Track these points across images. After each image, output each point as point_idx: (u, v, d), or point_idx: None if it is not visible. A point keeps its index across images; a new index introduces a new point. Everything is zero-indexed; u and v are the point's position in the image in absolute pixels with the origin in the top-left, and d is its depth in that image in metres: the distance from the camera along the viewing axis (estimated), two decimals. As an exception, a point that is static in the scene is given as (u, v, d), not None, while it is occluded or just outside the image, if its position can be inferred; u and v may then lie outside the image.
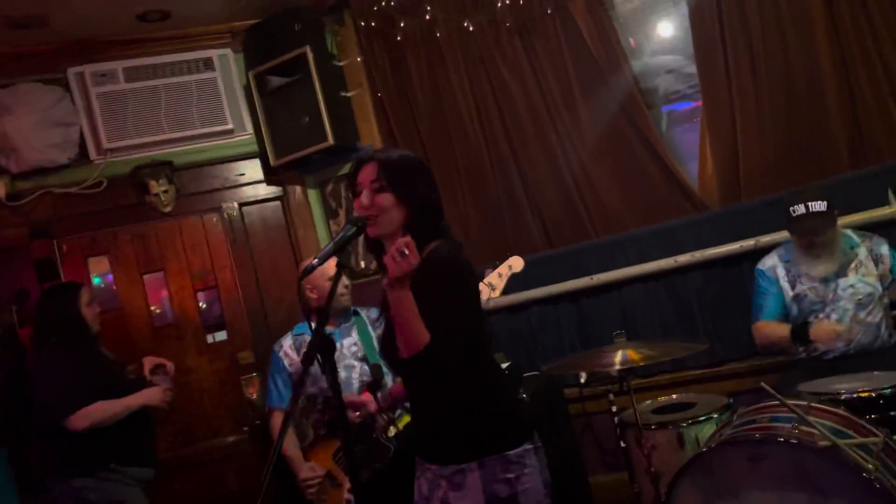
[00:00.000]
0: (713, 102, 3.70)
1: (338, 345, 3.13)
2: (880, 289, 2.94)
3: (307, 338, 3.14)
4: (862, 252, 2.98)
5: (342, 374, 3.07)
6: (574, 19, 3.88)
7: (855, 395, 2.38)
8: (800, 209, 2.89)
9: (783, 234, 3.19)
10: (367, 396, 2.92)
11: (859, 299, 2.93)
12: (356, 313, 3.25)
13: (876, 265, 2.96)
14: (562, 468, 3.53)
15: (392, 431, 2.93)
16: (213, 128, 4.28)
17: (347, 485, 3.01)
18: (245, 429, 4.22)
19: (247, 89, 4.33)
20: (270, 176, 4.45)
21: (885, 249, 2.99)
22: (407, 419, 2.94)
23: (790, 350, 3.08)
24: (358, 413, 2.84)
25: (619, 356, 2.75)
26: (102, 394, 3.10)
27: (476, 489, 1.81)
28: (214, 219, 4.40)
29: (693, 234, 3.66)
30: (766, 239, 3.39)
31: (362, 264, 4.34)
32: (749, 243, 3.47)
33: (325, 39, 4.32)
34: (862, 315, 2.92)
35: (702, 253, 3.61)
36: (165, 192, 4.19)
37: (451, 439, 1.88)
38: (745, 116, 3.60)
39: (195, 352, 4.27)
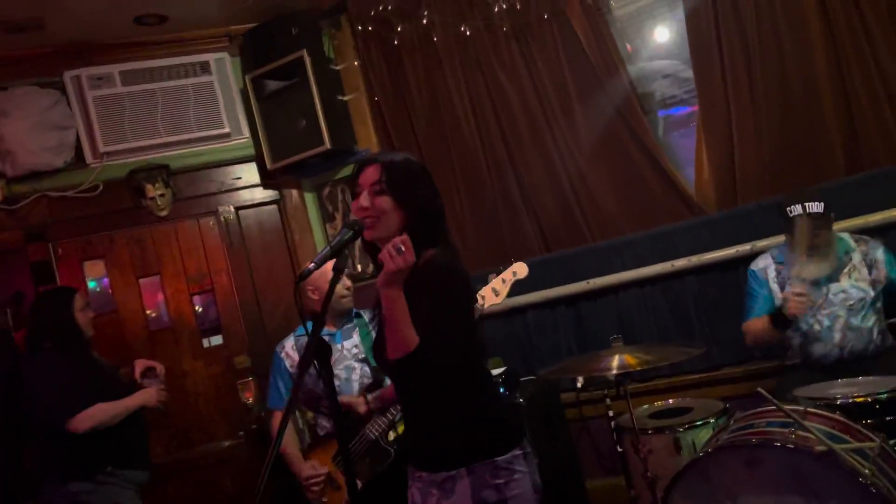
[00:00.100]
0: (709, 107, 3.71)
1: (338, 346, 3.14)
2: (872, 294, 2.94)
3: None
4: (856, 257, 2.98)
5: (342, 375, 3.08)
6: (571, 24, 3.89)
7: (851, 400, 2.37)
8: (796, 209, 2.89)
9: (779, 239, 3.20)
10: (358, 399, 2.93)
11: (850, 305, 2.93)
12: (358, 315, 3.26)
13: (870, 270, 2.96)
14: (559, 473, 3.53)
15: (392, 436, 2.93)
16: (209, 131, 4.28)
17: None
18: (241, 433, 4.21)
19: (244, 93, 4.33)
20: (267, 180, 4.44)
21: (880, 254, 2.99)
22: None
23: (774, 340, 3.06)
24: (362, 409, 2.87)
25: (616, 361, 2.75)
26: (100, 396, 3.10)
27: (465, 495, 1.81)
28: (211, 222, 4.39)
29: (690, 239, 3.66)
30: (762, 243, 3.40)
31: (359, 268, 4.34)
32: (745, 248, 3.48)
33: (322, 43, 4.32)
34: (855, 321, 2.92)
35: (698, 257, 3.61)
36: (162, 195, 4.19)
37: (440, 446, 1.88)
38: (742, 121, 3.60)
39: (191, 356, 4.26)
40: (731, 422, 2.41)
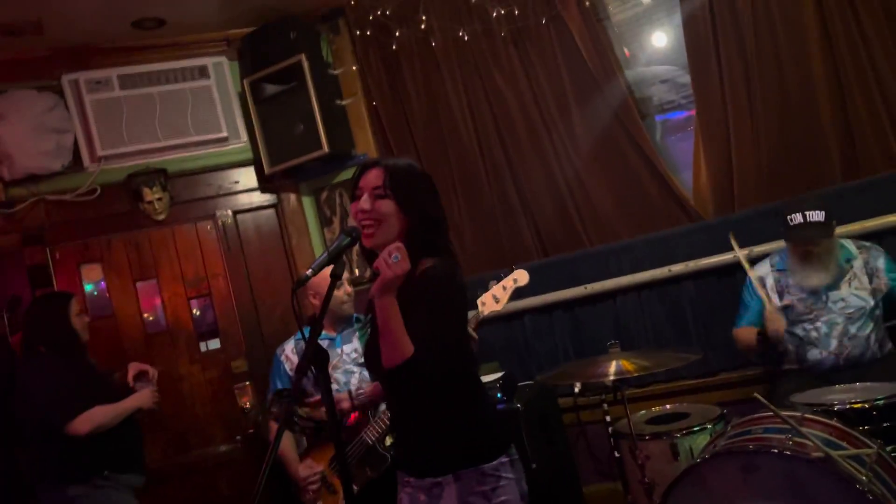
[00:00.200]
0: (707, 112, 3.71)
1: (338, 350, 3.16)
2: (872, 302, 2.94)
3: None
4: (857, 265, 2.98)
5: (341, 379, 3.09)
6: (568, 29, 3.90)
7: (848, 406, 2.38)
8: (797, 218, 2.89)
9: (777, 244, 3.21)
10: (342, 394, 2.94)
11: (849, 313, 2.93)
12: (358, 320, 3.26)
13: (870, 279, 2.95)
14: (556, 477, 3.53)
15: (389, 441, 2.93)
16: (207, 135, 4.27)
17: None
18: (238, 437, 4.20)
19: (242, 97, 4.33)
20: (265, 184, 4.44)
21: (881, 262, 2.98)
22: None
23: (761, 351, 3.10)
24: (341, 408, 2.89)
25: (613, 366, 2.75)
26: (97, 399, 3.10)
27: (452, 501, 1.82)
28: (208, 226, 4.38)
29: (687, 244, 3.66)
30: (759, 249, 3.40)
31: (357, 272, 4.33)
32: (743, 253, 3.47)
33: (320, 48, 4.32)
34: (852, 329, 2.92)
35: (696, 262, 3.61)
36: (159, 199, 4.18)
37: (428, 452, 1.89)
38: (739, 126, 3.61)
39: (188, 360, 4.25)
40: (728, 428, 2.41)
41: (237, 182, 4.43)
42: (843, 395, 2.52)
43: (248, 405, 4.17)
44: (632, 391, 3.63)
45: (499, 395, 3.39)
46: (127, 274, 4.23)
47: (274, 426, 3.27)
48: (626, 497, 2.99)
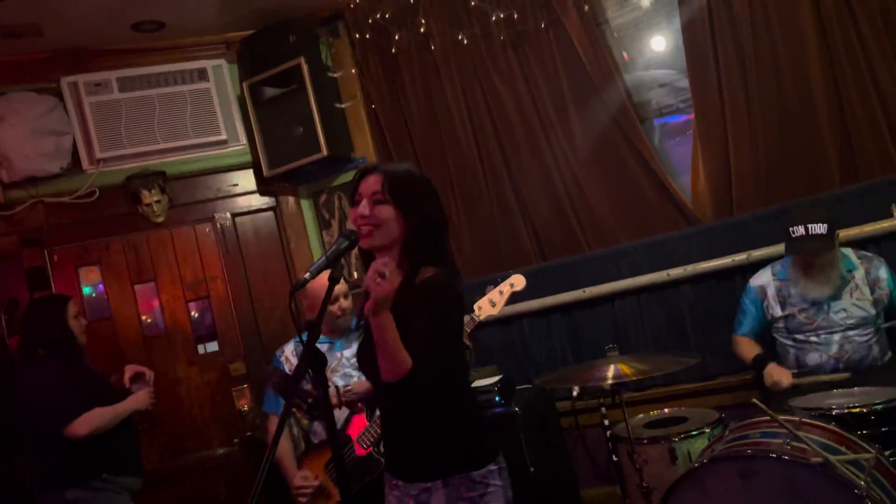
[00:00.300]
0: (705, 116, 3.71)
1: (337, 354, 3.17)
2: (874, 312, 2.94)
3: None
4: (858, 275, 2.98)
5: (340, 382, 3.08)
6: (567, 33, 3.90)
7: (846, 411, 2.38)
8: (799, 230, 2.88)
9: (775, 249, 3.21)
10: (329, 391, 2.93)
11: (851, 324, 2.93)
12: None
13: (871, 290, 2.95)
14: (554, 481, 3.52)
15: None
16: (206, 138, 4.27)
17: (337, 497, 3.00)
18: (235, 441, 4.19)
19: (241, 100, 4.33)
20: (264, 186, 4.44)
21: (883, 273, 2.98)
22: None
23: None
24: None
25: (611, 370, 2.75)
26: (95, 401, 3.10)
27: None
28: (207, 229, 4.38)
29: (685, 248, 3.67)
30: (757, 253, 3.40)
31: (355, 275, 4.33)
32: (741, 257, 3.48)
33: (319, 51, 4.32)
34: (852, 334, 2.93)
35: (694, 267, 3.61)
36: (158, 201, 4.18)
37: (418, 457, 1.90)
38: (737, 130, 3.61)
39: (186, 362, 4.24)
40: (727, 432, 2.41)
41: (236, 185, 4.43)
42: (842, 400, 2.52)
43: (246, 408, 4.17)
44: (630, 395, 3.63)
45: (497, 398, 3.39)
46: (125, 276, 4.22)
47: (272, 428, 3.27)
48: (624, 501, 2.99)
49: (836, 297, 2.95)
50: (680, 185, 3.85)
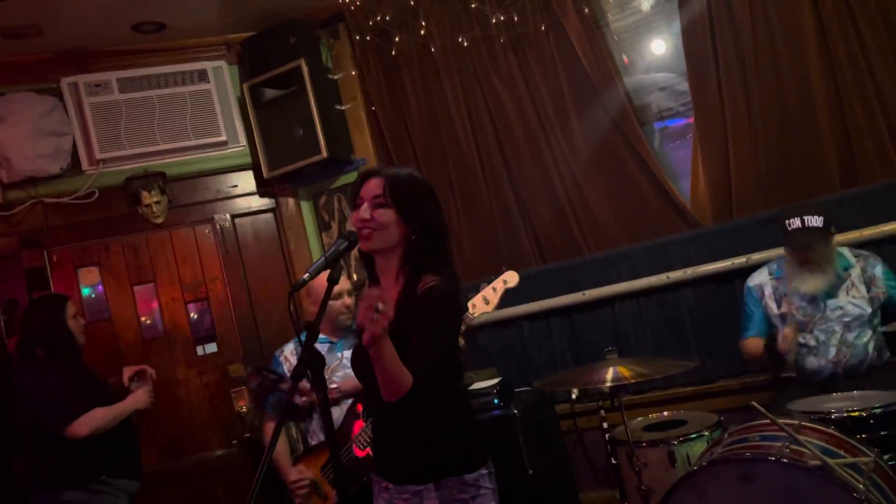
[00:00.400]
0: (705, 120, 3.71)
1: (338, 354, 3.17)
2: (870, 311, 2.94)
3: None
4: (855, 273, 2.98)
5: (339, 383, 3.08)
6: (568, 36, 3.90)
7: (846, 415, 2.37)
8: (795, 223, 2.89)
9: (775, 252, 3.21)
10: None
11: (847, 322, 2.93)
12: None
13: (868, 287, 2.95)
14: (553, 484, 3.51)
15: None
16: (206, 139, 4.27)
17: (334, 498, 3.00)
18: (234, 442, 4.19)
19: (241, 101, 4.33)
20: (263, 188, 4.44)
21: (878, 271, 2.98)
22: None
23: (767, 363, 3.09)
24: (304, 398, 2.95)
25: (610, 373, 2.74)
26: (95, 402, 3.09)
27: None
28: (206, 230, 4.38)
29: (685, 251, 3.66)
30: (757, 256, 3.40)
31: (355, 277, 4.33)
32: (741, 260, 3.48)
33: (320, 53, 4.33)
34: (850, 337, 2.92)
35: (694, 270, 3.61)
36: (158, 203, 4.18)
37: (412, 460, 1.90)
38: (738, 134, 3.61)
39: (185, 364, 4.24)
40: (726, 435, 2.41)
41: (236, 186, 4.43)
42: (841, 404, 2.52)
43: (244, 409, 4.17)
44: (629, 398, 3.63)
45: (496, 400, 3.38)
46: (124, 277, 4.22)
47: (269, 431, 3.26)
48: (622, 504, 2.98)
49: (832, 294, 2.95)
50: (680, 189, 3.86)
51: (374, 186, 1.89)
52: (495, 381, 3.54)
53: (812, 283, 2.93)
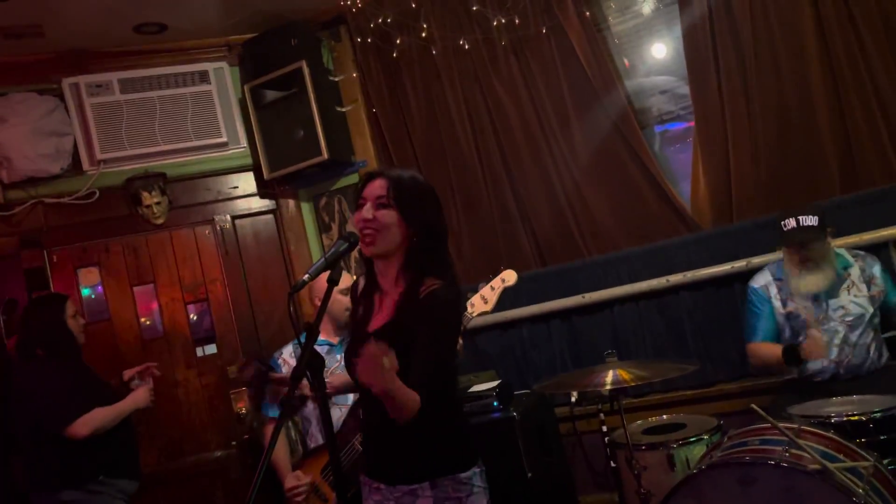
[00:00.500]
0: (706, 123, 3.72)
1: (338, 356, 3.16)
2: (871, 310, 2.94)
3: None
4: (854, 272, 2.98)
5: (330, 379, 3.07)
6: (569, 39, 3.91)
7: (845, 419, 2.37)
8: (790, 223, 2.91)
9: (775, 256, 3.20)
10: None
11: (849, 321, 2.93)
12: None
13: (868, 286, 2.96)
14: (552, 487, 3.51)
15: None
16: (207, 140, 4.28)
17: (334, 500, 2.99)
18: (233, 443, 4.18)
19: (242, 103, 4.34)
20: (264, 189, 4.44)
21: (876, 270, 2.99)
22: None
23: (783, 371, 3.07)
24: (298, 392, 2.89)
25: (610, 376, 2.74)
26: (95, 401, 3.09)
27: None
28: (207, 231, 4.38)
29: (685, 255, 3.66)
30: (757, 260, 3.40)
31: (355, 277, 4.33)
32: (741, 264, 3.48)
33: (321, 54, 4.33)
34: (853, 337, 2.92)
35: (693, 273, 3.61)
36: (158, 203, 4.18)
37: (406, 460, 1.90)
38: (738, 137, 3.62)
39: (184, 365, 4.24)
40: (725, 439, 2.40)
41: (236, 187, 4.43)
42: (841, 408, 2.52)
43: (244, 411, 4.16)
44: (629, 401, 3.62)
45: (495, 403, 3.38)
46: (124, 278, 4.22)
47: (269, 432, 3.26)
48: (621, 507, 2.98)
49: (833, 293, 2.95)
50: (680, 192, 3.86)
51: (377, 187, 1.90)
52: (495, 383, 3.54)
53: (812, 282, 2.93)
